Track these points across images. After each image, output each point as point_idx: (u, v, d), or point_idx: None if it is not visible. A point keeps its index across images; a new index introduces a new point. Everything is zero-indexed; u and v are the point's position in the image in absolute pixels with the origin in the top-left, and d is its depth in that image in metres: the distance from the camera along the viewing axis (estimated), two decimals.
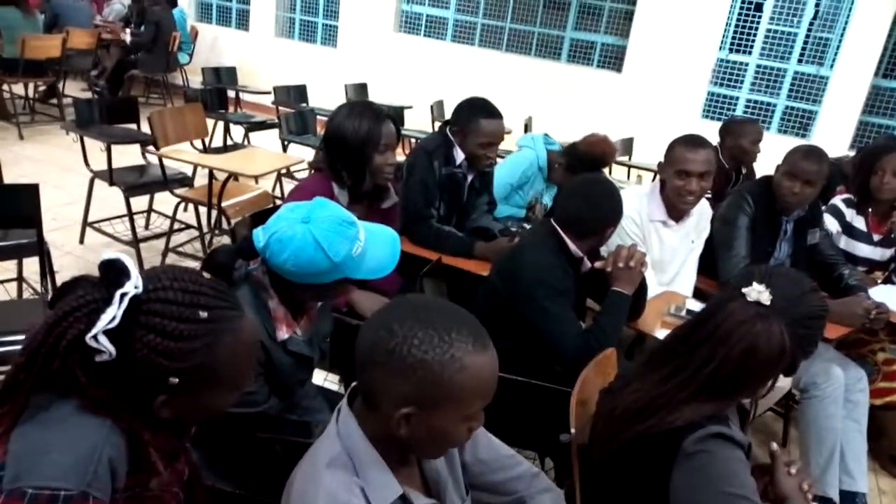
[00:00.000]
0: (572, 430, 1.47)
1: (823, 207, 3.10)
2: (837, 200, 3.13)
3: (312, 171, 2.41)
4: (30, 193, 2.56)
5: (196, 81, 7.60)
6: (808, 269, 2.81)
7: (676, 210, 2.62)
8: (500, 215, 3.18)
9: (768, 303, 1.25)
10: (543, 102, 7.35)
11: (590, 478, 1.50)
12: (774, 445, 1.49)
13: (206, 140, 4.69)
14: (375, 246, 1.52)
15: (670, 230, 2.66)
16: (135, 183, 3.95)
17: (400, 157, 2.72)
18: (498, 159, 2.96)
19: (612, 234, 2.12)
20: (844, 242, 3.10)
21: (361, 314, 2.15)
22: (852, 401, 2.69)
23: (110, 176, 3.86)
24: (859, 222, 3.07)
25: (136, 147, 4.49)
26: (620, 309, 1.99)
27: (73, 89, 8.05)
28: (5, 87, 6.40)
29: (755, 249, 2.75)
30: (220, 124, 5.53)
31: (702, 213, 2.75)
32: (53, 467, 0.89)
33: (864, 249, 3.07)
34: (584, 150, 3.30)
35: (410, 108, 6.62)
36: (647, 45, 6.94)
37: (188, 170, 4.18)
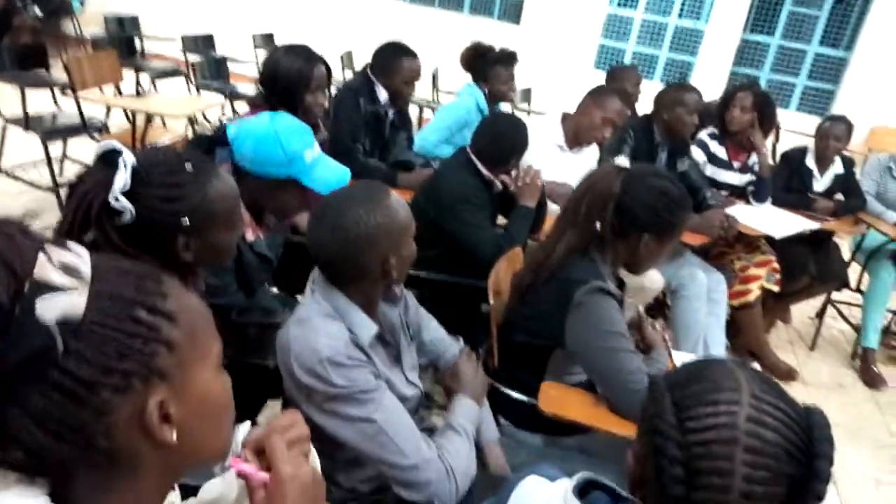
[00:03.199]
0: (490, 302, 1.87)
1: (691, 141, 3.62)
2: (703, 134, 3.65)
3: (251, 108, 2.63)
4: None
5: (90, 31, 7.36)
6: None
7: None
8: (442, 155, 3.48)
9: (627, 165, 1.68)
10: (447, 54, 7.63)
11: (506, 348, 1.89)
12: (640, 308, 1.95)
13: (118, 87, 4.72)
14: (327, 168, 1.82)
15: (574, 156, 3.09)
16: (52, 128, 3.98)
17: None
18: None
19: (518, 161, 2.49)
20: (710, 171, 3.64)
21: (302, 230, 2.44)
22: (713, 300, 3.25)
23: (26, 121, 3.87)
24: (721, 152, 3.61)
25: (45, 93, 4.47)
26: (525, 217, 2.40)
27: None
28: None
29: None
30: (130, 73, 5.51)
31: (591, 148, 3.20)
32: None
33: (726, 175, 3.62)
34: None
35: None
36: None
37: (100, 116, 4.23)
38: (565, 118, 3.12)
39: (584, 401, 1.64)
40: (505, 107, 3.98)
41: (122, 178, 1.18)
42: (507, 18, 7.79)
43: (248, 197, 1.81)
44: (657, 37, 7.27)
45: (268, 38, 6.82)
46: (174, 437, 0.64)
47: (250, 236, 1.82)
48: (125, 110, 4.18)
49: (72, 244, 0.63)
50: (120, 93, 4.49)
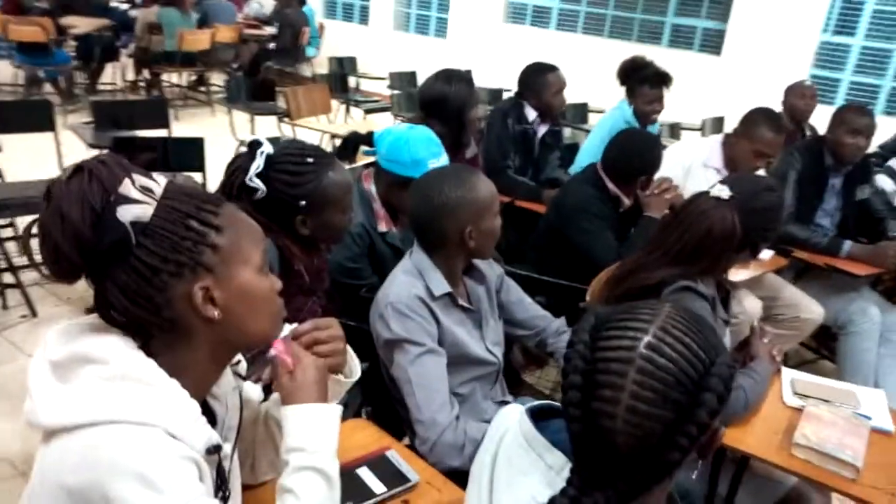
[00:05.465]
0: (587, 299, 1.97)
1: (880, 168, 3.33)
2: (894, 162, 3.35)
3: None
4: (198, 144, 3.31)
5: (322, 72, 8.44)
6: (856, 222, 3.09)
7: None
8: None
9: (726, 197, 1.67)
10: None
11: None
12: (756, 323, 1.92)
13: (330, 118, 5.43)
14: None
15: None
16: None
17: None
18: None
19: (646, 180, 2.51)
20: None
21: None
22: (892, 340, 2.96)
23: None
24: None
25: (273, 122, 5.29)
26: (648, 229, 2.41)
27: (216, 79, 9.12)
28: (164, 75, 7.50)
29: (802, 201, 3.05)
30: (342, 108, 6.30)
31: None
32: None
33: None
34: None
35: (509, 90, 7.12)
36: (747, 28, 7.07)
37: (315, 141, 4.92)
38: (726, 141, 3.06)
39: None
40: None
41: (257, 164, 1.52)
42: (707, 50, 7.58)
43: (382, 193, 2.12)
44: (881, 65, 6.61)
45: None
46: (217, 314, 0.90)
47: (383, 228, 2.11)
48: (332, 136, 4.83)
49: (156, 175, 0.91)
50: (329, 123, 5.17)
